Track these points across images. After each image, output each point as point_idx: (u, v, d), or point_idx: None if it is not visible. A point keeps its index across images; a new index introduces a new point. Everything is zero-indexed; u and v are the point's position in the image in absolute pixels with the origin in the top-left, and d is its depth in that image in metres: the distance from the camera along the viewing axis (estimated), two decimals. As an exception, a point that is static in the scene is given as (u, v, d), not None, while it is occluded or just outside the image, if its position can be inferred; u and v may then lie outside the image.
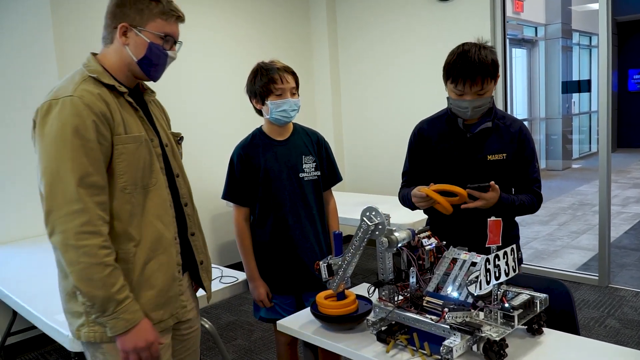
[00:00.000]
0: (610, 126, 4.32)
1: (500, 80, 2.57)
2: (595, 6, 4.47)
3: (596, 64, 4.37)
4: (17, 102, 3.67)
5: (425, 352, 1.63)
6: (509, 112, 2.66)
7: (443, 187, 2.10)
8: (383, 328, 1.76)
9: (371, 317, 1.79)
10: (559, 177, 10.64)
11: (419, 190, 2.13)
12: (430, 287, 1.74)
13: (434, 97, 5.13)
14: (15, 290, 2.63)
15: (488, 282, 1.55)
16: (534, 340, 1.72)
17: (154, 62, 1.69)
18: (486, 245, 1.64)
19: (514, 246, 1.65)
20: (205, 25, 4.87)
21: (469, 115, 2.18)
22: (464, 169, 2.24)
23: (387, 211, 1.76)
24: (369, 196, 4.93)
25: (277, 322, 2.04)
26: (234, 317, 4.30)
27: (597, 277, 4.59)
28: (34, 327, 2.86)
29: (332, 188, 2.66)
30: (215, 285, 2.44)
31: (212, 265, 2.14)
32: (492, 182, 2.09)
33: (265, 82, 2.38)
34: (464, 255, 1.76)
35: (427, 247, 1.79)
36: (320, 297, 1.95)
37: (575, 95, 12.45)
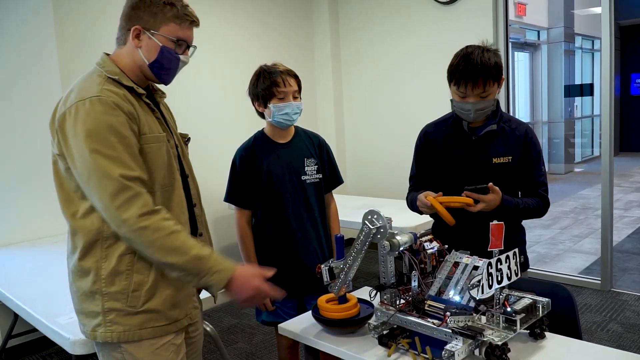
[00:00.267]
0: (613, 130, 4.32)
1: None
2: (597, 10, 4.48)
3: (599, 68, 4.38)
4: (19, 103, 3.67)
5: (427, 356, 1.63)
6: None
7: (449, 200, 2.10)
8: (385, 332, 1.75)
9: (373, 321, 1.79)
10: (561, 180, 10.63)
11: (425, 198, 2.14)
12: (432, 291, 1.73)
13: (437, 100, 5.14)
14: (16, 292, 2.63)
15: (490, 286, 1.55)
16: (536, 344, 1.71)
17: (165, 66, 1.69)
18: (488, 249, 1.64)
19: (516, 250, 1.64)
20: (206, 26, 4.81)
21: (472, 118, 2.18)
22: (469, 172, 2.24)
23: (389, 214, 1.76)
24: (371, 199, 4.93)
25: (279, 325, 2.04)
26: (235, 320, 4.29)
27: (599, 281, 4.58)
28: (35, 330, 2.86)
29: (334, 191, 2.66)
30: (217, 288, 2.43)
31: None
32: (491, 184, 2.09)
33: (267, 85, 2.38)
34: (466, 259, 1.75)
35: (429, 251, 1.79)
36: (322, 300, 1.94)
37: (577, 99, 12.44)
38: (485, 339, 1.53)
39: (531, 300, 1.69)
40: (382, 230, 1.70)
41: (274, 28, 5.65)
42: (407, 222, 3.44)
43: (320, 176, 2.53)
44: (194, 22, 1.72)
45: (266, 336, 3.94)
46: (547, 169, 2.35)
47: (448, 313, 1.58)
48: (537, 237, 6.24)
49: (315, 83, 6.08)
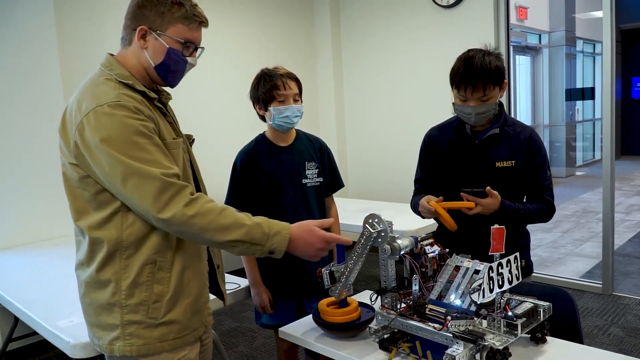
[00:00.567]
0: (614, 133, 4.32)
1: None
2: (599, 14, 4.48)
3: (600, 72, 4.38)
4: (19, 104, 3.67)
5: (427, 360, 1.62)
6: (512, 119, 2.66)
7: (452, 205, 2.10)
8: (385, 336, 1.75)
9: (373, 325, 1.78)
10: (562, 184, 10.62)
11: (428, 203, 2.13)
12: (433, 295, 1.73)
13: (438, 103, 5.15)
14: (16, 296, 2.63)
15: (491, 290, 1.54)
16: (538, 349, 1.70)
17: (172, 69, 1.63)
18: (489, 253, 1.63)
19: (517, 254, 1.64)
20: (208, 28, 4.86)
21: (474, 121, 2.18)
22: (472, 176, 2.23)
23: (390, 218, 1.75)
24: (372, 202, 4.92)
25: (279, 329, 2.04)
26: (236, 323, 4.29)
27: (600, 285, 4.57)
28: (35, 333, 2.86)
29: (335, 194, 2.66)
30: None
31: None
32: (488, 188, 2.09)
33: (268, 89, 2.38)
34: (467, 263, 1.75)
35: (430, 255, 1.78)
36: (323, 304, 1.94)
37: (578, 103, 12.43)
38: (486, 344, 1.52)
39: (532, 305, 1.68)
40: (382, 233, 1.70)
41: (276, 31, 5.66)
42: (408, 225, 3.44)
43: (321, 180, 2.53)
44: (203, 22, 1.66)
45: (267, 339, 3.93)
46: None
47: (449, 317, 1.58)
48: (538, 240, 6.23)
49: (317, 86, 6.09)
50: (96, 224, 1.53)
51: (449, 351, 1.53)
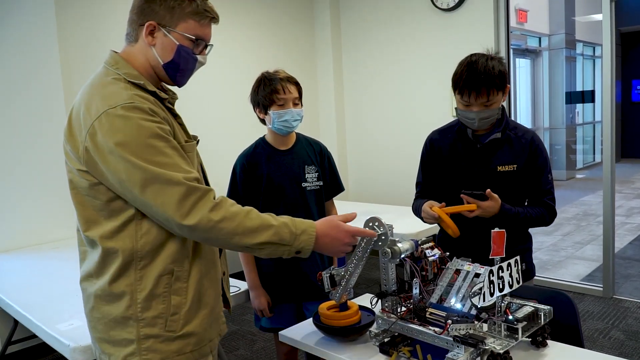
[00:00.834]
0: (614, 136, 4.32)
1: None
2: (599, 17, 4.49)
3: (600, 75, 4.38)
4: (19, 106, 3.67)
5: (428, 364, 1.62)
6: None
7: (455, 210, 2.10)
8: (386, 339, 1.75)
9: (374, 329, 1.78)
10: (562, 187, 10.62)
11: (431, 209, 2.13)
12: (434, 299, 1.73)
13: (438, 106, 5.15)
14: (16, 299, 2.63)
15: (492, 294, 1.54)
16: (538, 352, 1.70)
17: (181, 67, 1.55)
18: (490, 257, 1.63)
19: (518, 257, 1.64)
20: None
21: (477, 126, 2.18)
22: (474, 180, 2.23)
23: (391, 221, 1.75)
24: (372, 205, 4.92)
25: (279, 332, 2.03)
26: (235, 326, 4.28)
27: (601, 288, 4.57)
28: (34, 336, 2.85)
29: (335, 198, 2.66)
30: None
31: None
32: (488, 190, 2.09)
33: (268, 92, 2.38)
34: (467, 267, 1.75)
35: (430, 258, 1.78)
36: (323, 308, 1.94)
37: (579, 106, 12.44)
38: (486, 347, 1.52)
39: (533, 308, 1.68)
40: (383, 237, 1.70)
41: (277, 34, 5.66)
42: (408, 229, 3.44)
43: (321, 183, 2.53)
44: (214, 18, 1.57)
45: (267, 343, 3.93)
46: (550, 176, 2.34)
47: (449, 321, 1.57)
48: (539, 243, 6.23)
49: (317, 89, 6.09)
50: (108, 233, 1.45)
51: (449, 355, 1.53)
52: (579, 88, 12.34)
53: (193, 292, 1.52)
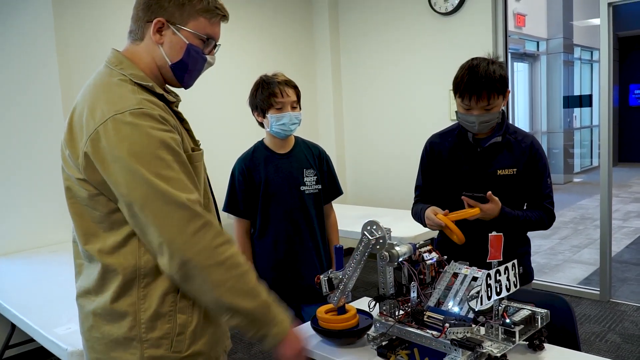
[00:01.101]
0: (611, 140, 4.33)
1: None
2: (596, 21, 4.50)
3: (597, 79, 4.39)
4: (17, 109, 3.67)
5: (425, 367, 1.62)
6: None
7: (459, 216, 2.10)
8: (384, 343, 1.75)
9: (372, 332, 1.78)
10: (560, 190, 10.63)
11: (436, 217, 2.13)
12: (431, 302, 1.73)
13: (436, 110, 5.16)
14: (13, 302, 2.62)
15: (489, 298, 1.54)
16: (535, 356, 1.70)
17: (190, 68, 1.46)
18: (487, 261, 1.64)
19: (515, 261, 1.64)
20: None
21: (477, 130, 2.18)
22: (474, 184, 2.23)
23: (389, 225, 1.75)
24: (371, 209, 4.93)
25: (277, 336, 2.03)
26: (233, 330, 4.27)
27: (598, 292, 4.58)
28: (32, 340, 2.85)
29: (333, 201, 2.66)
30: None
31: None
32: (489, 193, 2.09)
33: (266, 96, 2.39)
34: (465, 270, 1.75)
35: (428, 262, 1.78)
36: (321, 311, 1.94)
37: (576, 110, 12.47)
38: (484, 351, 1.53)
39: (530, 312, 1.68)
40: (381, 240, 1.70)
41: (275, 37, 5.67)
42: (406, 232, 3.45)
43: (320, 187, 2.54)
44: (225, 17, 1.49)
45: (265, 346, 3.92)
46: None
47: (447, 324, 1.58)
48: (536, 247, 6.24)
49: (316, 92, 6.10)
50: (109, 248, 1.35)
51: (447, 358, 1.53)
52: (576, 92, 12.37)
53: (199, 310, 1.43)
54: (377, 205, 5.35)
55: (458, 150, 2.31)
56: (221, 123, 5.13)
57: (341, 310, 1.90)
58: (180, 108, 1.53)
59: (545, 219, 2.26)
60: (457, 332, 1.56)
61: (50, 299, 2.62)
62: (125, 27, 1.48)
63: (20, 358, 3.75)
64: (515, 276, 1.63)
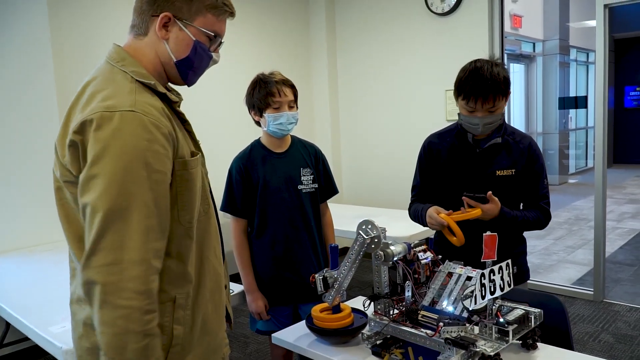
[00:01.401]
0: (606, 142, 4.35)
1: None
2: (592, 23, 4.52)
3: (593, 80, 4.41)
4: (14, 111, 3.66)
5: (420, 366, 1.63)
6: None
7: (462, 217, 2.10)
8: (378, 342, 1.76)
9: (366, 331, 1.79)
10: (555, 191, 10.66)
11: (439, 216, 2.13)
12: (426, 301, 1.74)
13: (432, 110, 5.18)
14: (8, 301, 2.62)
15: (483, 297, 1.55)
16: (529, 355, 1.72)
17: (195, 65, 1.41)
18: (481, 260, 1.65)
19: (509, 261, 1.65)
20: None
21: (480, 132, 2.19)
22: (473, 184, 2.24)
23: (384, 224, 1.76)
24: (366, 209, 4.94)
25: (272, 335, 2.04)
26: (228, 329, 4.27)
27: (592, 292, 4.60)
28: (27, 339, 2.84)
29: (329, 200, 2.67)
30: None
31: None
32: (489, 193, 2.10)
33: (263, 95, 2.39)
34: (459, 270, 1.76)
35: (422, 261, 1.79)
36: (316, 310, 1.95)
37: (572, 111, 12.51)
38: (477, 350, 1.54)
39: (523, 311, 1.70)
40: (376, 240, 1.71)
41: (271, 37, 5.67)
42: (401, 232, 3.45)
43: (316, 186, 2.54)
44: (233, 13, 1.44)
45: (260, 345, 3.93)
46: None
47: (441, 323, 1.59)
48: (531, 247, 6.22)
49: (312, 92, 6.10)
50: None
51: (441, 357, 1.54)
52: (572, 94, 12.41)
53: (195, 320, 1.37)
54: (372, 205, 5.36)
55: (457, 150, 2.31)
56: (217, 122, 5.13)
57: (336, 309, 1.91)
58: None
59: (542, 219, 2.28)
60: (451, 331, 1.57)
61: (45, 297, 2.62)
62: (122, 27, 1.43)
63: (14, 356, 3.74)
64: (509, 276, 1.64)
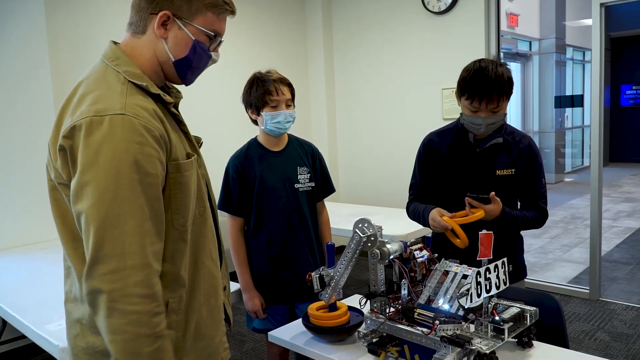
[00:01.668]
0: (602, 141, 4.36)
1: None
2: (589, 21, 4.53)
3: (589, 79, 4.42)
4: (11, 109, 3.66)
5: (416, 364, 1.64)
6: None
7: (466, 220, 2.09)
8: (374, 340, 1.76)
9: (362, 329, 1.80)
10: (551, 190, 10.65)
11: (442, 219, 2.12)
12: (422, 300, 1.75)
13: (428, 109, 5.18)
14: (5, 299, 2.61)
15: (479, 295, 1.56)
16: (524, 353, 1.72)
17: (194, 65, 1.38)
18: (477, 259, 1.65)
19: (505, 259, 1.66)
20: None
21: (483, 132, 2.19)
22: (473, 183, 2.25)
23: (380, 223, 1.77)
24: (362, 207, 4.94)
25: (269, 333, 2.04)
26: (227, 330, 4.27)
27: (587, 291, 4.61)
28: (23, 337, 2.84)
29: (325, 199, 2.67)
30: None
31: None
32: (492, 194, 2.10)
33: (260, 94, 2.39)
34: (455, 268, 1.76)
35: (419, 259, 1.80)
36: (312, 308, 1.95)
37: (568, 110, 12.53)
38: (473, 348, 1.54)
39: (519, 309, 1.70)
40: (372, 238, 1.71)
41: (268, 36, 5.67)
42: (397, 230, 3.46)
43: (313, 184, 2.55)
44: (233, 12, 1.41)
45: (256, 344, 3.93)
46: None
47: (437, 321, 1.59)
48: (527, 246, 6.23)
49: (309, 91, 6.10)
50: None
51: (436, 355, 1.55)
52: (568, 92, 12.43)
53: (189, 324, 1.36)
54: (368, 204, 5.37)
55: (457, 149, 2.31)
56: (213, 121, 5.12)
57: (332, 307, 1.91)
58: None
59: (540, 218, 2.29)
60: (447, 329, 1.57)
61: (41, 295, 2.62)
62: (119, 25, 1.40)
63: (11, 354, 3.73)
64: (505, 274, 1.65)
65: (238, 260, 2.50)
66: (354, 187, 6.04)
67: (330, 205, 2.80)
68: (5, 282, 2.95)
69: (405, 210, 2.47)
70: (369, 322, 1.79)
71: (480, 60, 2.14)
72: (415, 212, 2.34)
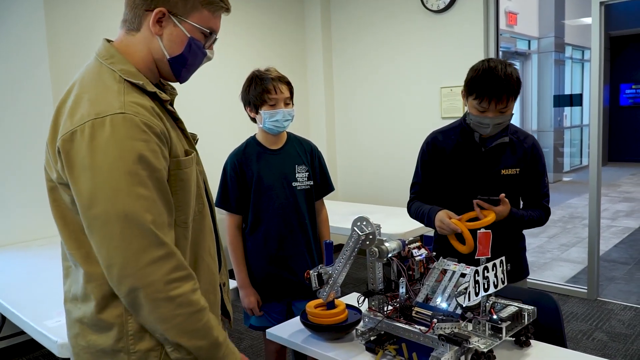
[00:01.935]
0: (601, 140, 4.37)
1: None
2: (588, 20, 4.52)
3: (588, 78, 4.42)
4: (10, 107, 3.66)
5: (413, 362, 1.64)
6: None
7: (476, 225, 2.06)
8: (372, 338, 1.77)
9: (360, 327, 1.80)
10: (550, 189, 10.67)
11: (451, 221, 2.09)
12: (420, 298, 1.75)
13: (427, 107, 5.18)
14: (4, 295, 2.62)
15: (477, 294, 1.56)
16: (522, 352, 1.73)
17: (189, 62, 1.38)
18: (475, 257, 1.66)
19: (503, 258, 1.66)
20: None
21: (489, 132, 2.18)
22: (477, 183, 2.24)
23: (378, 221, 1.77)
24: (361, 205, 4.94)
25: (267, 330, 2.05)
26: (228, 327, 4.27)
27: (585, 290, 4.62)
28: (22, 333, 2.84)
29: (325, 197, 2.67)
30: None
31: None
32: (502, 195, 2.10)
33: (259, 92, 2.39)
34: (453, 267, 1.77)
35: (417, 258, 1.80)
36: (310, 306, 1.95)
37: (567, 109, 12.53)
38: (471, 346, 1.55)
39: (517, 308, 1.71)
40: (371, 236, 1.72)
41: (267, 34, 5.66)
42: (395, 228, 3.46)
43: (311, 183, 2.55)
44: (229, 10, 1.41)
45: (254, 341, 3.94)
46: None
47: (435, 320, 1.59)
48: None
49: (307, 89, 6.10)
50: (94, 255, 1.24)
51: (434, 353, 1.55)
52: (567, 91, 12.43)
53: None
54: (367, 202, 5.37)
55: (462, 148, 2.29)
56: (212, 119, 5.12)
57: (330, 305, 1.92)
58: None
59: (544, 217, 2.32)
60: (445, 328, 1.57)
61: (41, 291, 2.62)
62: (118, 22, 1.38)
63: (10, 350, 3.74)
64: (503, 273, 1.65)
65: (235, 257, 2.51)
66: (353, 185, 6.04)
67: (329, 203, 2.80)
68: (5, 279, 2.95)
69: (404, 208, 2.46)
70: (366, 320, 1.79)
71: (488, 60, 2.13)
72: (419, 212, 2.32)
